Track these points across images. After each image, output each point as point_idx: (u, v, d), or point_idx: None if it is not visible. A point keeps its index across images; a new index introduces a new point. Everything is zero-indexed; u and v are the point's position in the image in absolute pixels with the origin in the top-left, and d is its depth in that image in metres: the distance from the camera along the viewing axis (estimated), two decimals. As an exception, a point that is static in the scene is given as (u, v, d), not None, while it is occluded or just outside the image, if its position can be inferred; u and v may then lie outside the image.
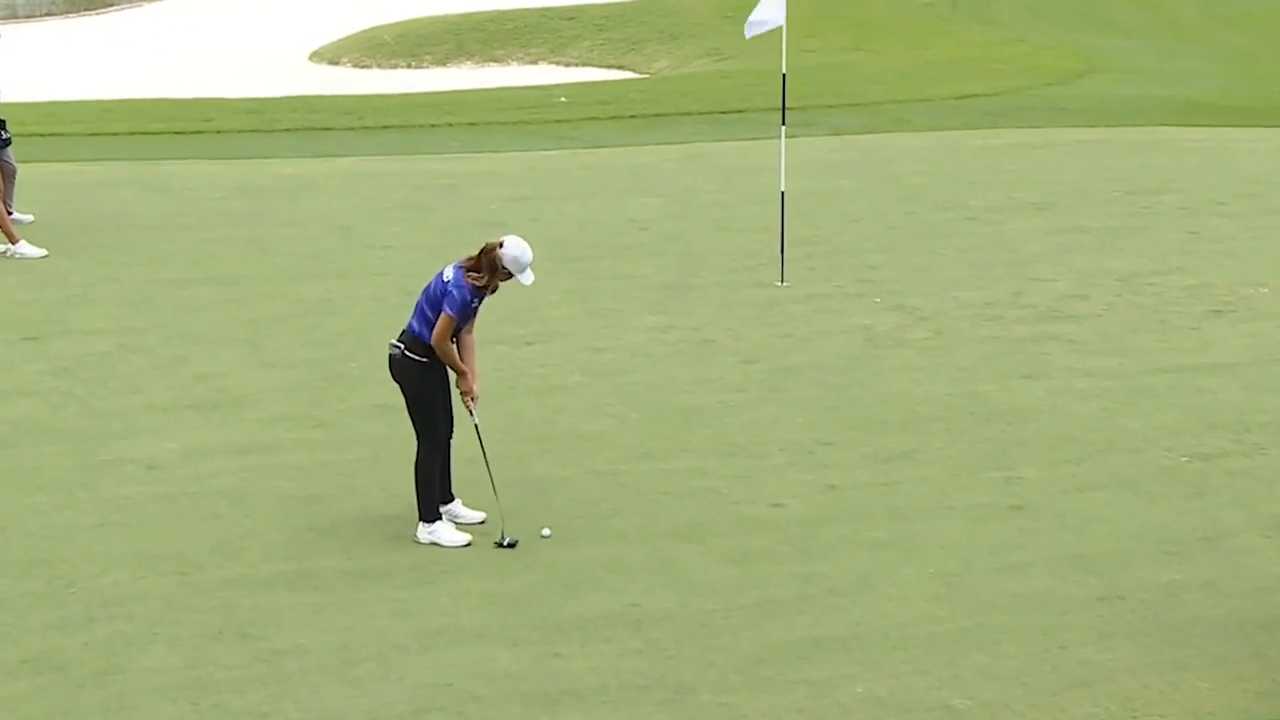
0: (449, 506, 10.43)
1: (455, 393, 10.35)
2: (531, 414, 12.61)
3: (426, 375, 10.12)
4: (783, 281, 16.78)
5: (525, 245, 10.10)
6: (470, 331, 10.26)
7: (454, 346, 10.08)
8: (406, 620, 9.34)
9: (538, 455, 11.65)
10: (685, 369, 13.93)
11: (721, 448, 12.00)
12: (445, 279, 10.06)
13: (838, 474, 11.47)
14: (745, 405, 12.98)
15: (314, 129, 28.78)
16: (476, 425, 10.34)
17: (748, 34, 16.58)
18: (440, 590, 9.69)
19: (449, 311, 9.97)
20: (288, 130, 28.63)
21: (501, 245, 10.03)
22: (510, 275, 10.06)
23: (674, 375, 13.76)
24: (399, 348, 10.14)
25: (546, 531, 10.34)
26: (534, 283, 10.23)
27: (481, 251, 10.04)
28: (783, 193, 17.38)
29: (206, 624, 9.31)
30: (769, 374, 13.80)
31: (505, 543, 10.21)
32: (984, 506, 10.89)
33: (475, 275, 10.00)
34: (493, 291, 10.15)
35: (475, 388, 10.27)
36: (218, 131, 28.47)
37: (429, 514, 10.27)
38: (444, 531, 10.26)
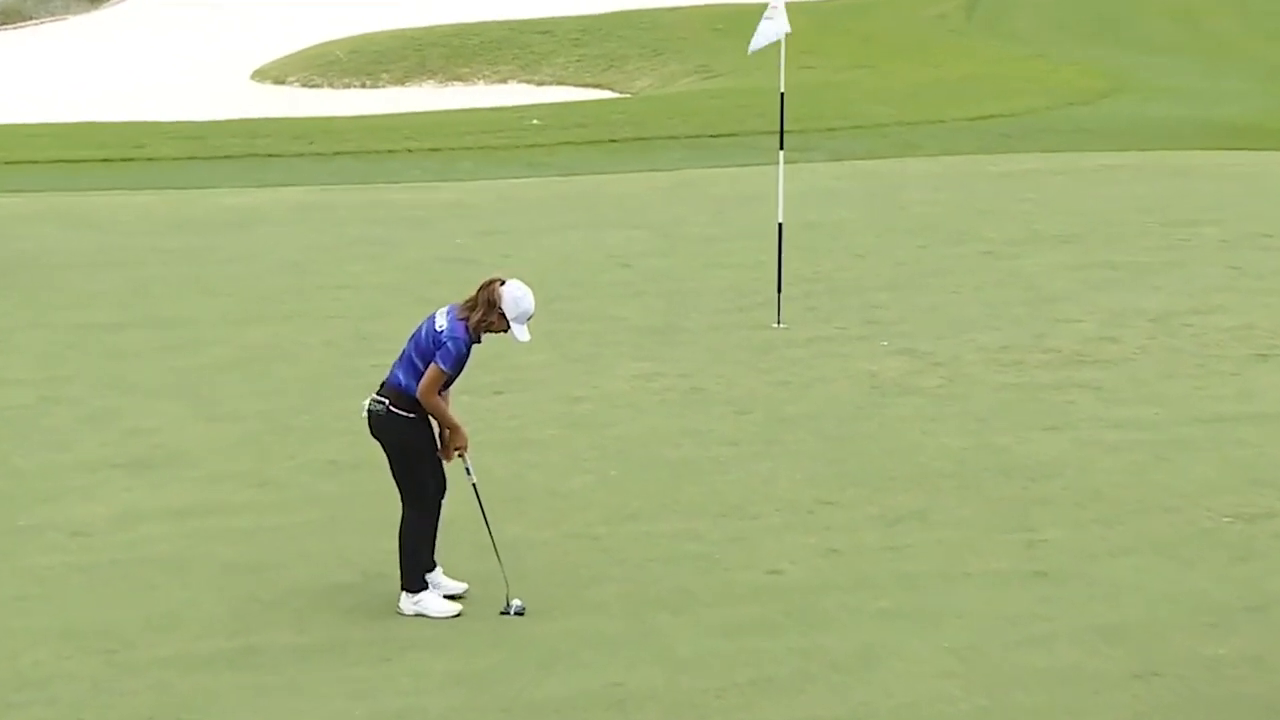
0: (430, 575, 10.44)
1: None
2: (501, 471, 12.62)
3: (414, 432, 10.12)
4: (780, 323, 16.83)
5: (529, 292, 10.10)
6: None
7: (441, 399, 10.09)
8: (362, 702, 9.33)
9: (508, 517, 11.66)
10: (672, 420, 13.97)
11: (713, 508, 12.02)
12: (438, 327, 10.05)
13: (841, 536, 11.50)
14: (739, 460, 13.01)
15: (259, 155, 28.86)
16: (475, 485, 10.36)
17: (750, 49, 16.66)
18: (400, 669, 9.69)
19: (441, 365, 9.96)
20: (229, 157, 28.71)
21: (503, 283, 10.05)
22: (505, 324, 10.02)
23: (660, 427, 13.79)
24: (383, 403, 10.14)
25: (518, 602, 10.35)
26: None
27: (480, 287, 10.06)
28: (780, 225, 17.46)
29: (138, 708, 9.28)
30: (765, 425, 13.84)
31: (512, 610, 10.24)
32: (1003, 573, 10.92)
33: (469, 311, 9.97)
34: (486, 329, 10.02)
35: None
36: (151, 159, 28.53)
37: (414, 583, 10.27)
38: (431, 602, 10.27)
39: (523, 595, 10.40)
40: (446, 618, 10.22)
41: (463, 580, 10.55)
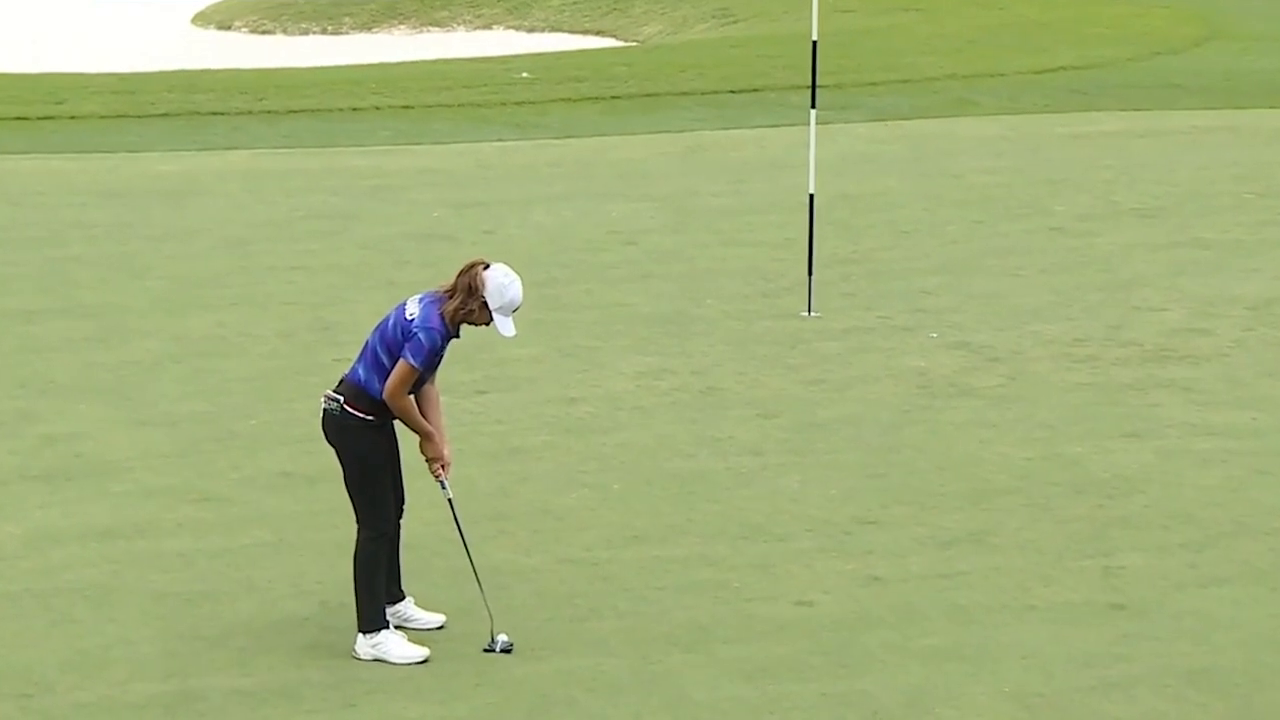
0: (397, 608, 10.44)
1: (405, 463, 10.36)
2: (485, 484, 12.64)
3: (373, 438, 10.12)
4: (811, 311, 16.84)
5: (517, 279, 10.10)
6: (433, 381, 10.28)
7: (413, 401, 10.09)
8: (320, 756, 9.37)
9: (492, 538, 11.69)
10: (684, 426, 13.98)
11: (732, 528, 12.04)
12: (409, 315, 10.06)
13: (883, 562, 11.52)
14: (762, 473, 13.03)
15: (199, 114, 28.89)
16: (451, 500, 10.37)
17: None
18: (364, 715, 9.71)
19: (410, 360, 9.96)
20: (165, 115, 28.73)
21: (487, 268, 10.06)
22: (488, 315, 10.03)
23: (670, 434, 13.81)
24: (337, 401, 10.15)
25: (504, 638, 10.38)
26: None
27: (460, 271, 10.06)
28: (811, 196, 17.46)
29: (58, 761, 9.32)
30: (793, 432, 13.86)
31: (498, 647, 10.26)
32: (1075, 605, 10.93)
33: (447, 298, 9.97)
34: (465, 320, 10.04)
35: (446, 452, 10.30)
36: (72, 117, 28.55)
37: (372, 622, 10.25)
38: (393, 644, 10.24)
39: (510, 630, 10.42)
40: (410, 663, 10.21)
41: (439, 613, 10.57)
